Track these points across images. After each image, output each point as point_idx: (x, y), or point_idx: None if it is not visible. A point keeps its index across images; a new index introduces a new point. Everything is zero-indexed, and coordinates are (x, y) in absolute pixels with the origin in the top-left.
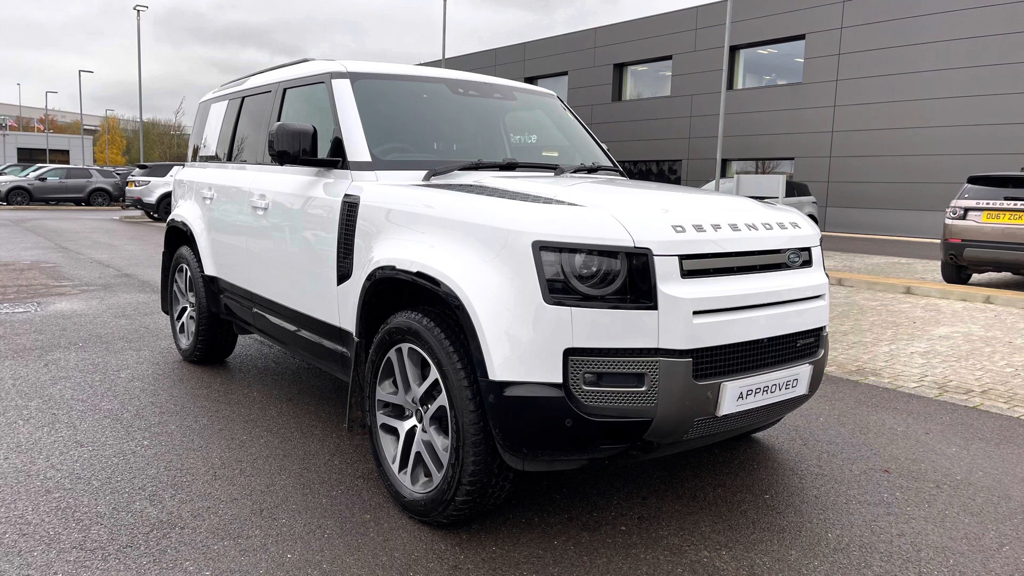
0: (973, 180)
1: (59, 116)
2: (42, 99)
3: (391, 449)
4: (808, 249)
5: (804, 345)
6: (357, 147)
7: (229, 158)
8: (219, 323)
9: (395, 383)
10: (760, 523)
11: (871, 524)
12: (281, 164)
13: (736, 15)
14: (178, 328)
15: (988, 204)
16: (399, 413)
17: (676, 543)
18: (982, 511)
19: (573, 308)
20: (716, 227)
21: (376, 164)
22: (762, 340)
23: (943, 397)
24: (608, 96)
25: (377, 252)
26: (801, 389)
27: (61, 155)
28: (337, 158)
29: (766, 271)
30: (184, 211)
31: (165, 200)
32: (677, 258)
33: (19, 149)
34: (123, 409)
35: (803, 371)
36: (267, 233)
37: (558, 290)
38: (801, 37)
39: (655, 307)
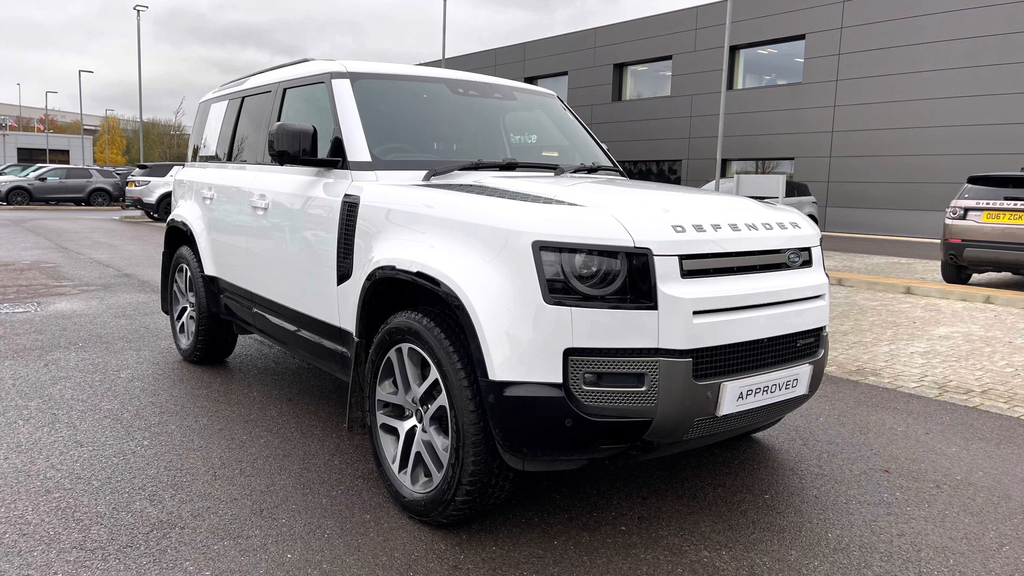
0: (973, 180)
1: (59, 116)
2: (42, 99)
3: (391, 449)
4: (808, 249)
5: (804, 345)
6: (357, 147)
7: (229, 158)
8: (219, 323)
9: (395, 383)
10: (760, 523)
11: (871, 524)
12: (281, 164)
13: (736, 15)
14: (178, 328)
15: (988, 204)
16: (399, 413)
17: (676, 543)
18: (982, 511)
19: (573, 308)
20: (716, 227)
21: (376, 164)
22: (762, 340)
23: (943, 397)
24: (608, 96)
25: (377, 252)
26: (801, 389)
27: (61, 155)
28: (337, 158)
29: (766, 271)
30: (184, 211)
31: (165, 200)
32: (677, 258)
33: (19, 149)
34: (123, 409)
35: (803, 371)
36: (267, 233)
37: (558, 290)
38: (801, 37)
39: (655, 307)
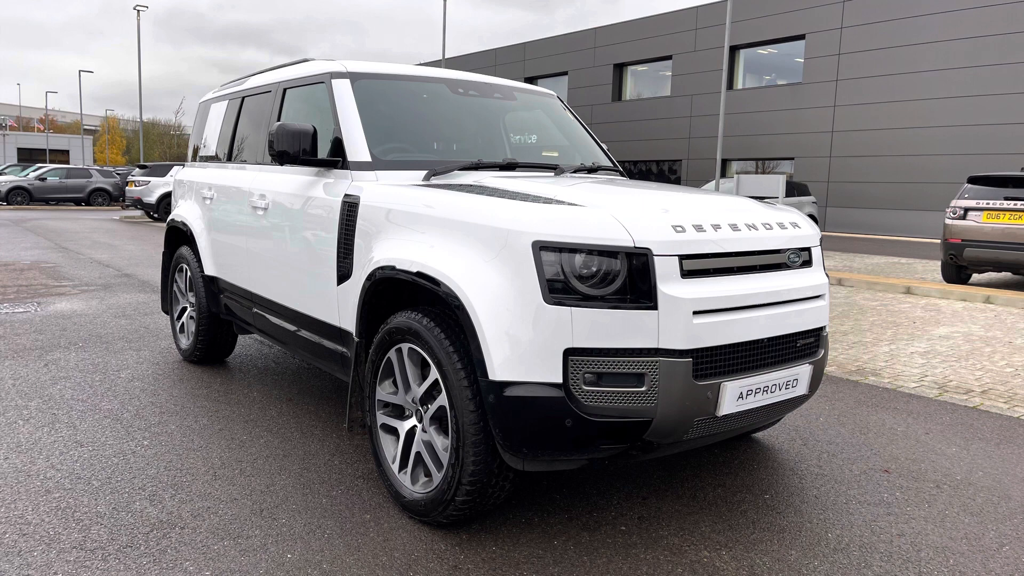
0: (973, 180)
1: (59, 116)
2: (42, 99)
3: (391, 449)
4: (808, 249)
5: (804, 345)
6: (357, 147)
7: (229, 158)
8: (219, 323)
9: (395, 383)
10: (760, 523)
11: (871, 524)
12: (281, 164)
13: (736, 15)
14: (178, 328)
15: (988, 204)
16: (399, 413)
17: (676, 543)
18: (982, 511)
19: (573, 308)
20: (716, 227)
21: (376, 164)
22: (762, 340)
23: (943, 397)
24: (608, 96)
25: (377, 252)
26: (801, 389)
27: (61, 155)
28: (337, 158)
29: (766, 271)
30: (184, 211)
31: (165, 200)
32: (677, 258)
33: (19, 149)
34: (123, 409)
35: (803, 371)
36: (267, 233)
37: (558, 290)
38: (801, 37)
39: (655, 307)
